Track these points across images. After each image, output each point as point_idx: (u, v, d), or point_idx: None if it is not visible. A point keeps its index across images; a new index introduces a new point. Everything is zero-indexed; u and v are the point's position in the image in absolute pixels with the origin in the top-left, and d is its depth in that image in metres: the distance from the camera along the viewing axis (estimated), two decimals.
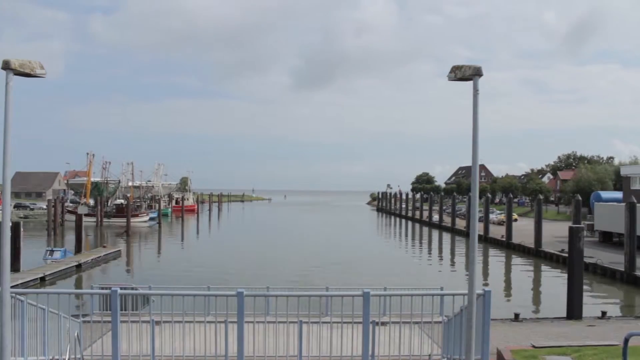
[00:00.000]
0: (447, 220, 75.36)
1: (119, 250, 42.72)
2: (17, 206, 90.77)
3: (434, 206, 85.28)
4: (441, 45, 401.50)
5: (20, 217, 74.31)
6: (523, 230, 52.15)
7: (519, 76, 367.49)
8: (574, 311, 18.93)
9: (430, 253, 50.31)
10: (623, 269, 30.72)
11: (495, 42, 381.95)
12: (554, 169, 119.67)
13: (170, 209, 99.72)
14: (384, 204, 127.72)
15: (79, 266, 33.98)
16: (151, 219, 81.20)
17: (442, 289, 14.01)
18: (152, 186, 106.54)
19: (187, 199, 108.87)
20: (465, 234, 56.53)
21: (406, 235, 68.99)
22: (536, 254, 42.07)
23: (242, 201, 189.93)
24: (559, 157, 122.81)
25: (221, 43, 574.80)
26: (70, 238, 48.98)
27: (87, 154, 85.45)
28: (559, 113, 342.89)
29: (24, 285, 26.04)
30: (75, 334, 9.63)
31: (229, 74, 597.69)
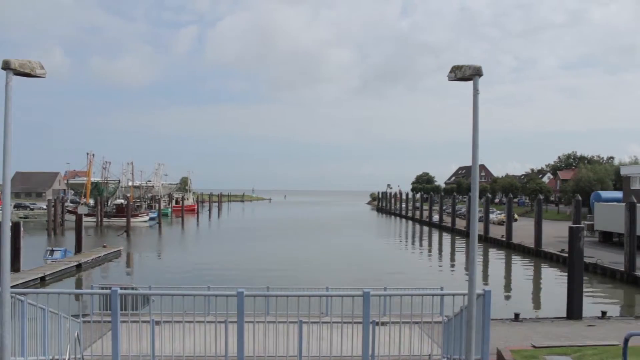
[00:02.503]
0: (447, 220, 75.36)
1: (119, 250, 42.70)
2: (17, 206, 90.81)
3: (434, 206, 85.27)
4: (492, 56, 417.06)
5: (20, 217, 74.28)
6: (522, 229, 52.20)
7: (556, 84, 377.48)
8: (574, 311, 18.92)
9: (430, 253, 50.29)
10: (623, 269, 30.72)
11: (541, 53, 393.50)
12: (554, 169, 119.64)
13: (170, 209, 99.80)
14: (384, 204, 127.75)
15: (79, 266, 33.98)
16: (151, 218, 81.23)
17: (442, 289, 14.02)
18: (152, 186, 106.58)
19: (187, 199, 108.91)
20: (465, 233, 56.51)
21: (406, 235, 68.98)
22: (536, 254, 42.06)
23: (242, 201, 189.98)
24: (559, 157, 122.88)
25: (289, 60, 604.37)
26: (70, 238, 48.96)
27: (87, 154, 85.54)
28: (586, 117, 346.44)
29: (24, 285, 26.04)
30: (75, 334, 9.62)
31: (284, 86, 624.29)
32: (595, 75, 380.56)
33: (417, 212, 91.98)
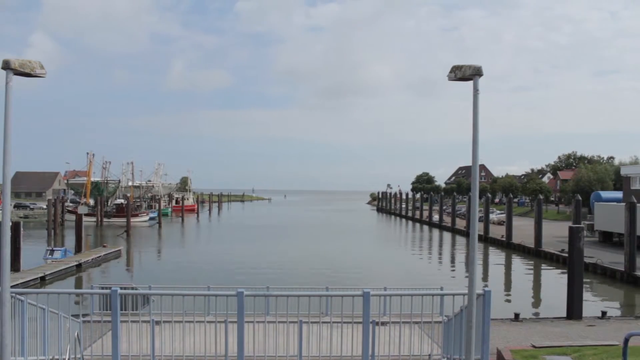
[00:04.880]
0: (447, 220, 75.36)
1: (119, 250, 42.70)
2: (17, 206, 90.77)
3: (434, 206, 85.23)
4: (531, 64, 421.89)
5: (20, 217, 74.29)
6: (522, 229, 52.18)
7: (589, 89, 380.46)
8: (574, 311, 18.91)
9: (430, 253, 50.30)
10: (623, 269, 30.71)
11: (578, 61, 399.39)
12: (554, 169, 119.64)
13: (170, 209, 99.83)
14: (384, 204, 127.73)
15: (79, 266, 33.98)
16: (151, 218, 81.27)
17: (442, 289, 14.02)
18: (152, 186, 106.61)
19: (187, 199, 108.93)
20: (466, 233, 56.52)
21: (406, 235, 69.01)
22: (536, 254, 42.06)
23: (242, 201, 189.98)
24: (559, 157, 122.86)
25: (337, 72, 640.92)
26: (70, 238, 48.98)
27: (87, 153, 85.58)
28: (613, 118, 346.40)
29: (24, 285, 26.04)
30: (75, 334, 9.62)
31: (321, 95, 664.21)
32: (621, 81, 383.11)
33: (417, 212, 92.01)
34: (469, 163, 6.51)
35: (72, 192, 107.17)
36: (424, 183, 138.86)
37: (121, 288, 8.84)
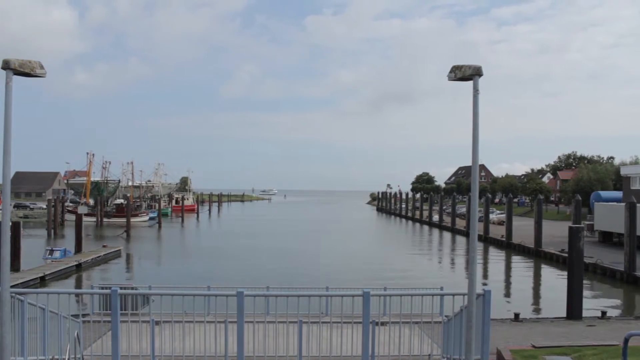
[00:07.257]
0: (447, 220, 75.37)
1: (119, 249, 42.69)
2: (17, 206, 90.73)
3: (434, 206, 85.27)
4: (561, 72, 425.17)
5: (20, 217, 74.29)
6: (522, 229, 52.17)
7: (619, 95, 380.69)
8: (574, 311, 18.92)
9: (430, 253, 50.31)
10: (623, 269, 30.72)
11: (609, 69, 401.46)
12: (554, 169, 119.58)
13: (170, 209, 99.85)
14: (384, 204, 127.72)
15: (79, 266, 33.98)
16: (151, 218, 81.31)
17: (442, 289, 14.05)
18: (152, 186, 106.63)
19: (187, 199, 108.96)
20: (465, 233, 56.52)
21: (406, 235, 68.99)
22: (536, 254, 42.07)
23: (242, 201, 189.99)
24: (559, 157, 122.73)
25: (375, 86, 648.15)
26: (70, 238, 48.97)
27: (87, 153, 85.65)
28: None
29: (24, 284, 26.04)
30: (75, 334, 9.62)
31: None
32: None
33: (417, 212, 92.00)
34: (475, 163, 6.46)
35: (72, 192, 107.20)
36: (424, 183, 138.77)
37: (121, 288, 8.85)
